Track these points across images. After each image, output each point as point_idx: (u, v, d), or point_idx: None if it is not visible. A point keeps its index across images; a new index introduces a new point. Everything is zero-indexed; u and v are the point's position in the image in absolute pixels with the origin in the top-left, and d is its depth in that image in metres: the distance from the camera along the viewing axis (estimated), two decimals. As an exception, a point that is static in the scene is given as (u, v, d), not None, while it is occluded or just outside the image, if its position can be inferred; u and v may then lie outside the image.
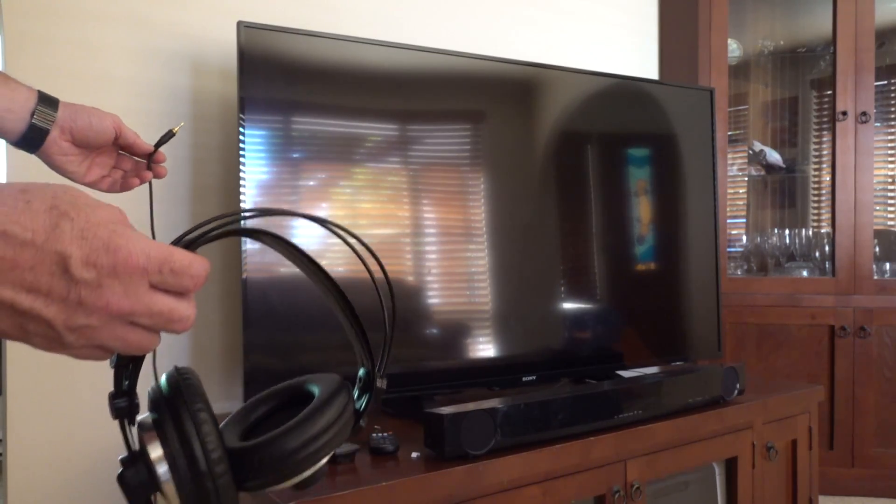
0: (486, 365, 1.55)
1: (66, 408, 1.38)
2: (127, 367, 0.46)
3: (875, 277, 2.33)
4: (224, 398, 1.54)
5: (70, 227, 0.36)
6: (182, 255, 0.40)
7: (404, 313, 1.46)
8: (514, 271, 1.59)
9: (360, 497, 1.02)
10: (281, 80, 1.35)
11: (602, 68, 2.21)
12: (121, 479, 0.45)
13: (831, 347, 2.31)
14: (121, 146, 0.89)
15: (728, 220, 2.46)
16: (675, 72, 2.44)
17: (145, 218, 1.46)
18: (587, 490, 1.30)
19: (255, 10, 1.59)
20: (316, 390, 0.50)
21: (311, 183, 1.37)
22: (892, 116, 2.67)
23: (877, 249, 2.45)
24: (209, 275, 0.42)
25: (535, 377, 1.58)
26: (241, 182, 1.29)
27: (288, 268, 1.34)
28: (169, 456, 0.43)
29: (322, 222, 0.50)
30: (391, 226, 1.45)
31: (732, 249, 2.63)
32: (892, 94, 2.65)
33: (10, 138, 0.81)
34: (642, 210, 1.81)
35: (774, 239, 2.57)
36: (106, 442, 1.42)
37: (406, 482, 1.06)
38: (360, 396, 0.53)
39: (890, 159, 2.66)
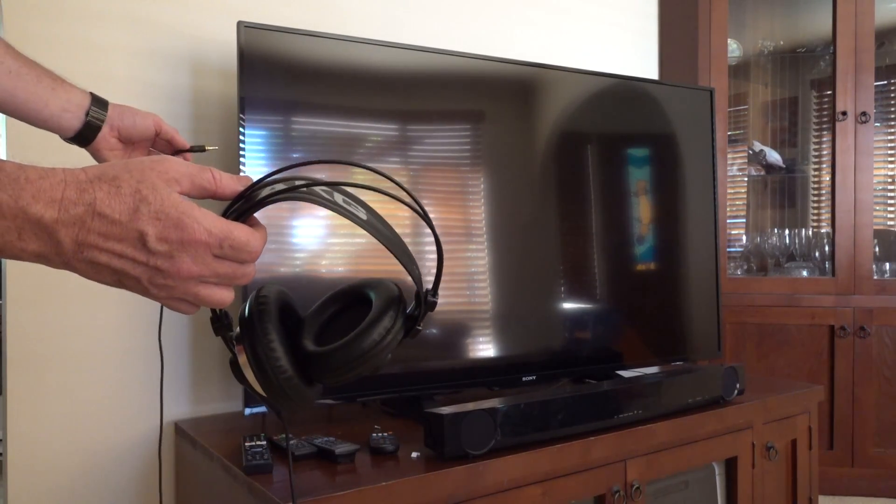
0: (486, 365, 1.55)
1: (66, 408, 1.38)
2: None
3: (875, 277, 2.33)
4: (224, 398, 1.54)
5: (148, 209, 0.45)
6: (240, 233, 0.49)
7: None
8: (514, 271, 1.59)
9: (360, 497, 1.02)
10: (281, 81, 1.35)
11: (602, 68, 2.21)
12: (231, 364, 0.60)
13: (831, 347, 2.31)
14: (162, 140, 1.03)
15: (728, 220, 2.46)
16: (674, 72, 2.44)
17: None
18: (587, 490, 1.30)
19: (255, 10, 1.59)
20: (373, 297, 0.61)
21: (311, 183, 1.37)
22: (892, 116, 2.67)
23: (877, 249, 2.45)
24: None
25: (535, 377, 1.59)
26: (241, 182, 1.29)
27: (288, 268, 1.34)
28: (250, 361, 0.57)
29: (372, 169, 0.64)
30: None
31: (732, 249, 2.63)
32: (892, 94, 2.65)
33: (66, 135, 0.92)
34: (642, 210, 1.81)
35: (774, 239, 2.57)
36: (106, 442, 1.42)
37: (406, 482, 1.06)
38: (417, 307, 0.63)
39: (890, 159, 2.66)
